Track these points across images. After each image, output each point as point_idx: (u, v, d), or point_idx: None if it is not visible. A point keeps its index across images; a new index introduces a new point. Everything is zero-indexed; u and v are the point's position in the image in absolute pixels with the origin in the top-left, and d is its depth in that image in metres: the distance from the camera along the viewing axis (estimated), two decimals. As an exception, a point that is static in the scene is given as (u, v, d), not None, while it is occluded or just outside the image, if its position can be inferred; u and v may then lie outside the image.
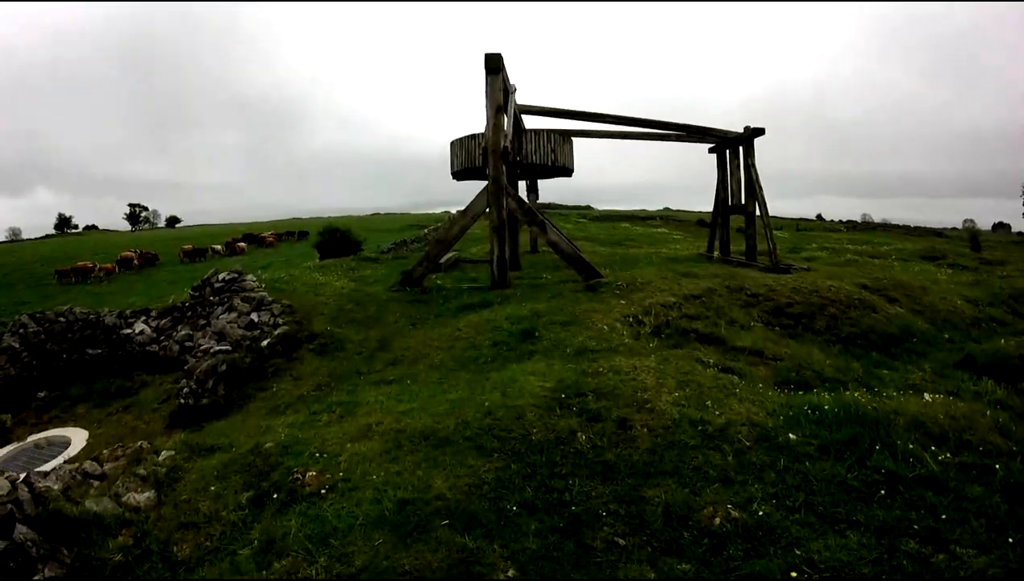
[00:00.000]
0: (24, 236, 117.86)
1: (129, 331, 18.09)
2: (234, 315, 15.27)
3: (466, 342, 12.84)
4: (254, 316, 15.16)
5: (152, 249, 52.92)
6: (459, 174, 24.15)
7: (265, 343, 14.03)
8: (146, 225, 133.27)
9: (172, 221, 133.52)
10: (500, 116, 17.77)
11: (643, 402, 8.61)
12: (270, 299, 16.04)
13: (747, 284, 17.78)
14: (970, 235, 55.77)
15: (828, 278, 20.18)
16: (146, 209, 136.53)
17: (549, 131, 22.88)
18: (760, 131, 24.52)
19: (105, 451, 10.12)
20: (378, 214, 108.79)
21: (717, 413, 8.16)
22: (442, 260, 24.09)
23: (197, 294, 18.31)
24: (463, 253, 31.72)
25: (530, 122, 25.08)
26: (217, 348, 13.75)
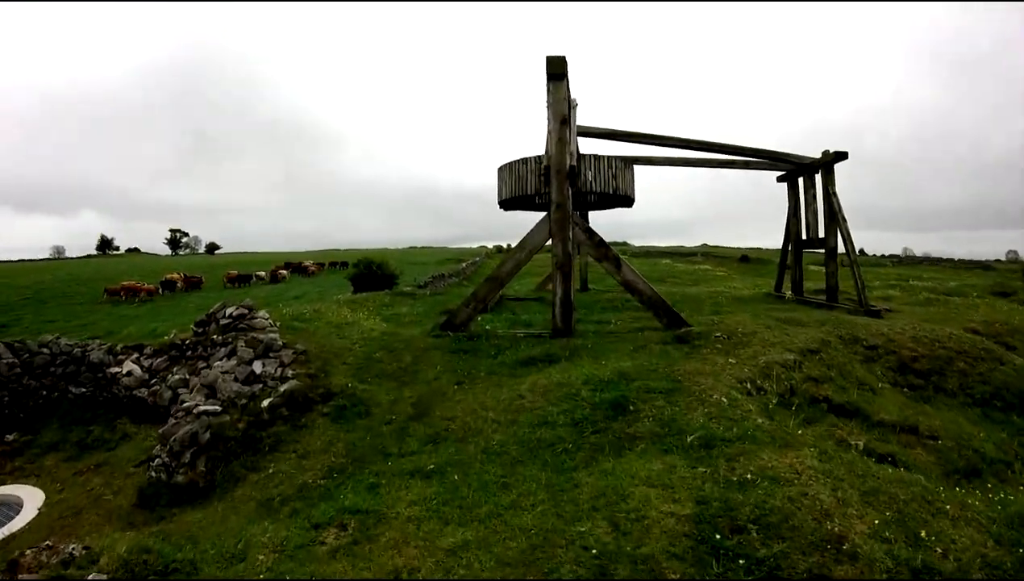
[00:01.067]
0: (68, 254, 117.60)
1: (117, 370, 14.72)
2: (232, 363, 11.75)
3: (533, 415, 9.15)
4: (257, 366, 11.63)
5: (179, 272, 51.25)
6: (507, 203, 20.78)
7: (266, 403, 10.47)
8: (186, 250, 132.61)
9: (212, 247, 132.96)
10: (565, 129, 14.27)
11: (834, 539, 5.46)
12: (280, 343, 12.52)
13: (860, 333, 14.23)
14: (1023, 267, 52.63)
15: (925, 321, 16.89)
16: (187, 235, 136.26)
17: (610, 157, 19.38)
18: (843, 155, 21.04)
19: (28, 553, 6.79)
20: (414, 247, 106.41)
21: (938, 551, 5.38)
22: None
23: (200, 331, 14.88)
24: (506, 290, 28.43)
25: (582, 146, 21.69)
26: (203, 408, 10.23)
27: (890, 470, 7.53)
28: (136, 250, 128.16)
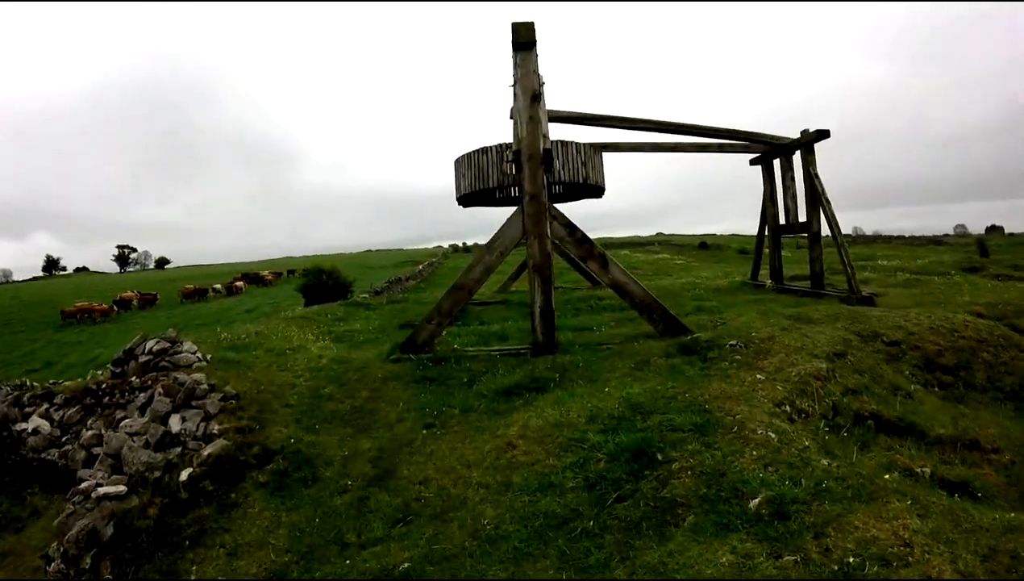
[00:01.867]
0: (15, 278, 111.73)
1: (24, 426, 12.07)
2: (143, 421, 9.19)
3: (532, 473, 6.90)
4: (174, 422, 9.11)
5: (134, 290, 49.16)
6: (466, 199, 18.58)
7: (185, 476, 7.99)
8: (136, 267, 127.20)
9: (161, 262, 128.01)
10: (537, 107, 12.01)
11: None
12: (206, 386, 9.98)
13: (876, 327, 12.41)
14: (978, 241, 52.42)
15: (917, 305, 15.55)
16: (135, 250, 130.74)
17: (578, 143, 17.26)
18: (824, 133, 19.43)
19: None
20: (371, 251, 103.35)
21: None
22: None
23: (119, 370, 12.24)
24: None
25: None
26: (104, 491, 7.70)
27: (994, 516, 5.56)
28: (85, 269, 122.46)
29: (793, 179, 20.79)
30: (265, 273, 57.15)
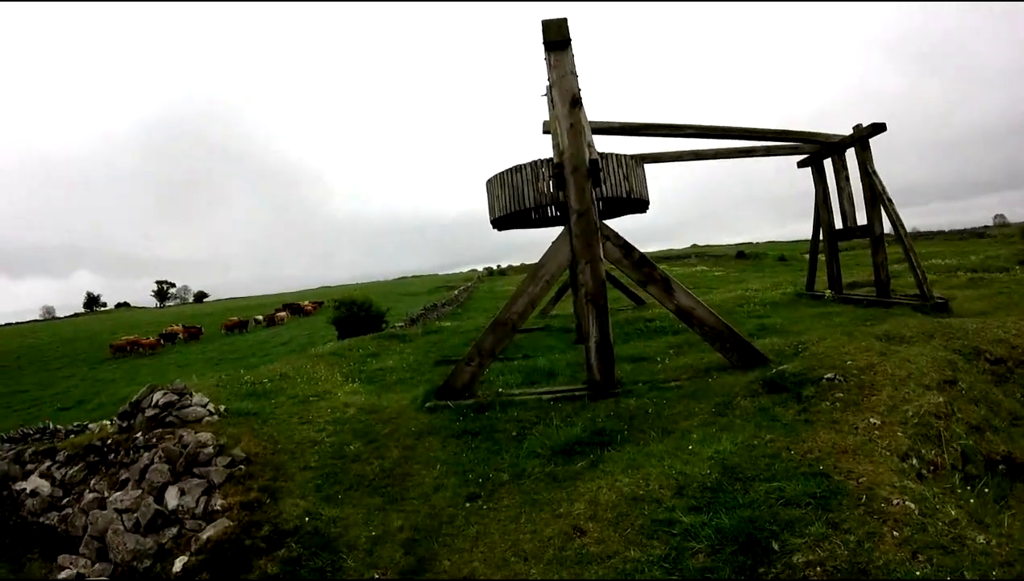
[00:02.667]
0: (58, 314, 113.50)
1: (24, 485, 10.73)
2: (135, 495, 7.73)
3: (610, 572, 5.21)
4: (171, 495, 7.63)
5: (179, 323, 50.10)
6: (501, 221, 17.03)
7: (179, 566, 6.48)
8: (176, 301, 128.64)
9: (200, 296, 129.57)
10: (578, 113, 10.46)
11: None
12: (213, 448, 8.50)
13: (974, 341, 10.45)
14: (1022, 232, 49.31)
15: (995, 310, 14.27)
16: (173, 285, 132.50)
17: (619, 154, 15.66)
18: (880, 127, 17.69)
19: None
20: (404, 278, 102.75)
21: None
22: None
23: (125, 425, 10.83)
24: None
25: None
26: (77, 589, 6.21)
27: None
28: (126, 305, 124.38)
29: (848, 179, 19.06)
30: (306, 303, 57.24)
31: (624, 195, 15.45)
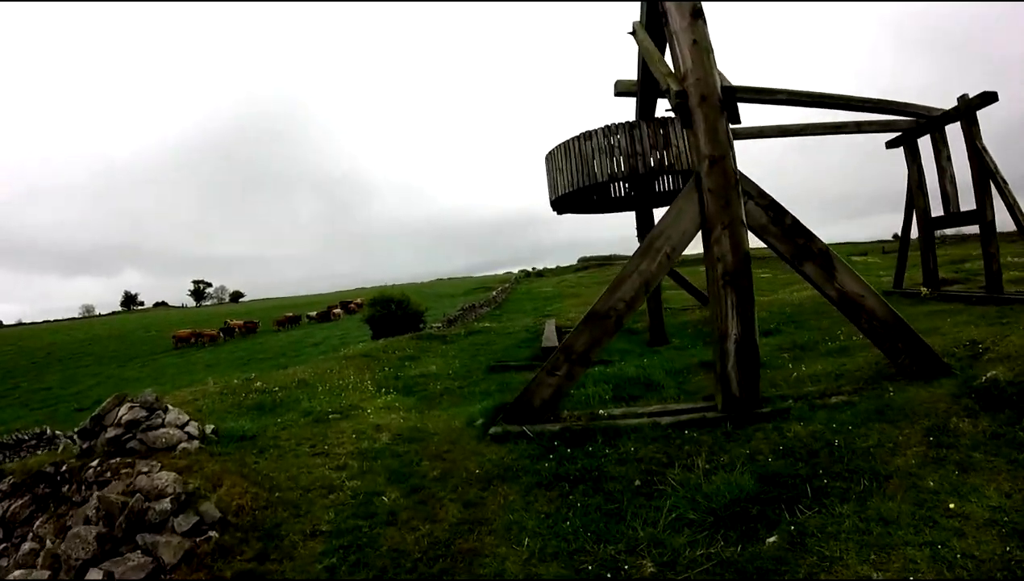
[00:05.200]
0: (97, 313, 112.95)
1: (-39, 525, 7.69)
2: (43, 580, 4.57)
3: None
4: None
5: (213, 323, 48.44)
6: (563, 201, 13.85)
7: None
8: (213, 301, 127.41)
9: (236, 296, 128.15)
10: (703, 28, 7.13)
11: None
12: (174, 499, 5.34)
13: None
14: None
15: None
16: (210, 285, 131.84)
17: None
18: (991, 96, 14.31)
19: None
20: (441, 279, 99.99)
21: None
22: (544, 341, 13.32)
23: (86, 447, 7.71)
24: (549, 310, 21.07)
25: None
26: None
27: None
28: (164, 304, 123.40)
29: (949, 159, 15.59)
30: (359, 300, 54.51)
31: None
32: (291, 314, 47.90)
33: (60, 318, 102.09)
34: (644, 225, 14.14)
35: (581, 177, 12.25)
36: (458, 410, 8.40)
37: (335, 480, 5.95)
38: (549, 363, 6.91)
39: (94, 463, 6.70)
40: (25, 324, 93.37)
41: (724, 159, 6.80)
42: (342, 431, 7.39)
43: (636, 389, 8.50)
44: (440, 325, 26.15)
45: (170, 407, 7.34)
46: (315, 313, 49.09)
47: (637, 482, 5.34)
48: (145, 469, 6.12)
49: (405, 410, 8.74)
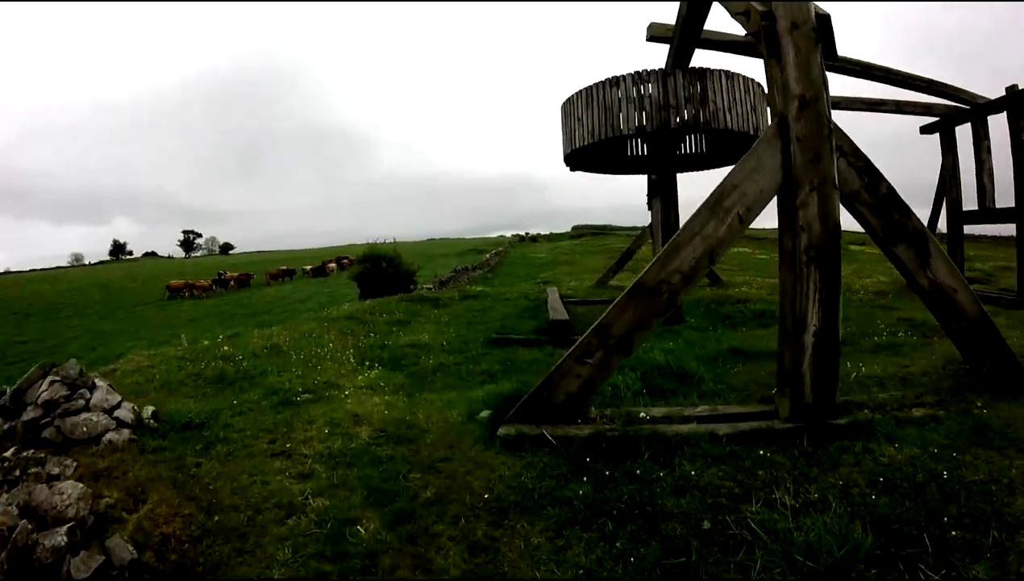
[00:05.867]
0: (86, 261, 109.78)
1: None
2: None
3: None
4: None
5: (203, 273, 47.81)
6: (579, 155, 12.35)
7: None
8: (202, 252, 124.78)
9: (226, 248, 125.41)
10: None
11: None
12: (70, 532, 3.79)
13: None
14: None
15: None
16: (200, 236, 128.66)
17: (746, 76, 10.96)
18: None
19: None
20: (433, 239, 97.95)
21: None
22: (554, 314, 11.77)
23: (7, 427, 6.17)
24: (545, 278, 19.51)
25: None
26: None
27: None
28: (153, 254, 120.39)
29: (990, 150, 14.68)
30: (352, 257, 52.22)
31: (753, 132, 10.92)
32: (285, 267, 46.48)
33: (48, 267, 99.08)
34: (661, 190, 12.53)
35: (604, 128, 10.67)
36: (456, 395, 6.90)
37: (297, 496, 4.46)
38: (579, 348, 5.38)
39: (9, 453, 5.17)
40: (12, 273, 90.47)
41: (817, 101, 5.22)
42: (312, 420, 5.87)
43: (669, 381, 7.03)
44: (432, 286, 24.55)
45: (99, 383, 5.81)
46: (310, 267, 47.29)
47: (706, 524, 3.89)
48: (55, 471, 4.64)
49: (391, 391, 7.22)
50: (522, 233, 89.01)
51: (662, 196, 12.30)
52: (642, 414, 5.33)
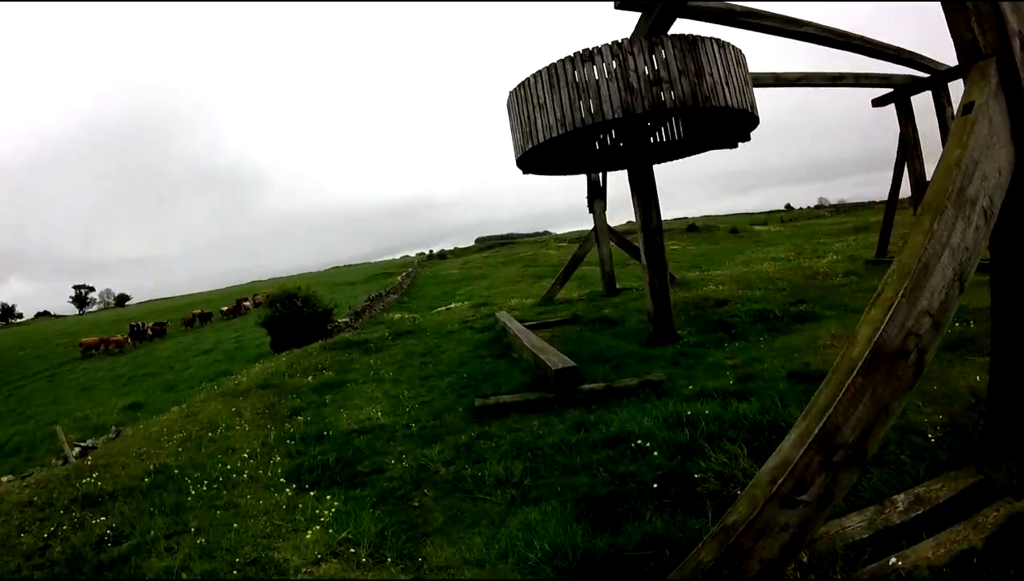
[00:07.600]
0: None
1: None
2: None
3: None
4: None
5: (96, 331, 43.33)
6: (535, 155, 10.11)
7: None
8: (99, 305, 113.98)
9: (122, 299, 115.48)
10: None
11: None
12: None
13: None
14: None
15: None
16: (92, 289, 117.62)
17: (738, 48, 8.71)
18: None
19: None
20: (337, 267, 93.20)
21: None
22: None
23: None
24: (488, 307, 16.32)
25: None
26: None
27: None
28: (47, 313, 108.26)
29: (954, 117, 12.97)
30: (258, 297, 48.02)
31: (750, 109, 8.73)
32: (200, 311, 43.87)
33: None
34: (636, 185, 9.99)
35: (578, 113, 8.05)
36: (493, 552, 3.92)
37: None
38: (782, 476, 2.56)
39: None
40: None
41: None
42: None
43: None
44: (348, 319, 21.30)
45: None
46: (227, 308, 45.30)
47: None
48: None
49: (374, 562, 4.10)
50: (426, 251, 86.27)
51: (639, 192, 9.77)
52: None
